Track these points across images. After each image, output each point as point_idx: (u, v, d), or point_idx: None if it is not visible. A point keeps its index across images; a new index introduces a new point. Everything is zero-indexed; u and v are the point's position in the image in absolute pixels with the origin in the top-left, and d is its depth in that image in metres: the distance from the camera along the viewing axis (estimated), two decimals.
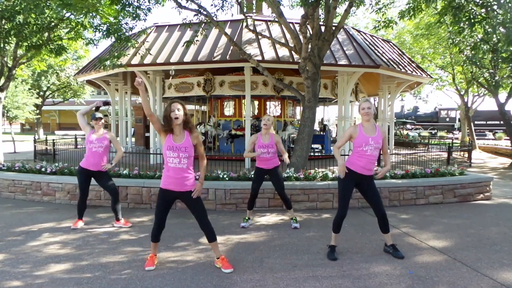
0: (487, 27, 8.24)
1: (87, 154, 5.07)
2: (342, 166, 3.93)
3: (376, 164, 4.06)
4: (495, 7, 7.55)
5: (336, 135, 16.30)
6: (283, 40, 9.64)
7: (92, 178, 5.22)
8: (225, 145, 12.34)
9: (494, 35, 8.46)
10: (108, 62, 7.89)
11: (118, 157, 5.22)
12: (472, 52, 11.69)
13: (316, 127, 13.99)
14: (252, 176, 6.67)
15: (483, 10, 7.38)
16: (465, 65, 15.68)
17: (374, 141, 3.88)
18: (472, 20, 7.48)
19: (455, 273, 3.64)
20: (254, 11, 11.63)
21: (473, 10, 7.49)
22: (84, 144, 5.40)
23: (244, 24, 9.46)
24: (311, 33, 7.69)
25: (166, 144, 3.47)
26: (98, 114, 5.18)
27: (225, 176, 6.67)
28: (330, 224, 5.50)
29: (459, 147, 15.39)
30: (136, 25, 8.26)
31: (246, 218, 5.41)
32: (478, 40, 9.72)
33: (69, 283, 3.39)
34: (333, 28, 7.72)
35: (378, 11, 8.76)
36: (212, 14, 8.42)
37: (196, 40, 8.75)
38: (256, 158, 5.24)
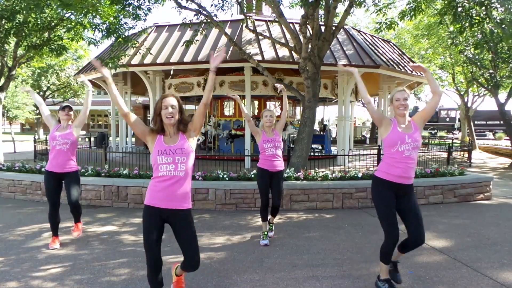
0: (486, 27, 8.24)
1: (50, 154, 4.32)
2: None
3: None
4: (494, 5, 7.55)
5: (336, 135, 16.29)
6: (283, 40, 9.64)
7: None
8: (225, 145, 12.34)
9: (495, 34, 8.44)
10: (110, 65, 7.89)
11: (88, 98, 4.41)
12: (475, 51, 11.69)
13: (316, 127, 14.00)
14: (252, 176, 6.68)
15: (483, 9, 7.37)
16: (465, 65, 15.69)
17: (412, 138, 3.01)
18: (472, 21, 7.48)
19: (455, 273, 3.64)
20: (254, 11, 11.63)
21: (472, 10, 7.49)
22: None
23: (244, 24, 9.46)
24: (311, 33, 7.69)
25: (156, 148, 2.63)
26: (67, 103, 4.63)
27: (225, 176, 6.67)
28: (330, 224, 5.55)
29: (459, 147, 15.39)
30: (136, 25, 8.27)
31: (265, 232, 4.61)
32: (479, 38, 9.71)
33: (69, 283, 3.39)
34: (333, 28, 7.72)
35: (379, 12, 8.76)
36: (212, 14, 8.43)
37: (196, 40, 8.75)
38: (260, 157, 4.66)
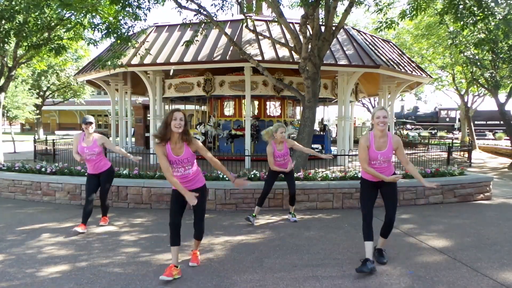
0: (490, 24, 8.18)
1: (86, 162, 5.13)
2: (391, 178, 3.78)
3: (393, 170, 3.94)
4: (493, 4, 7.52)
5: (336, 135, 16.29)
6: (283, 40, 9.63)
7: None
8: (225, 145, 12.34)
9: (500, 30, 8.34)
10: (109, 63, 7.89)
11: (123, 153, 5.40)
12: (475, 50, 11.63)
13: (316, 127, 13.99)
14: (252, 176, 6.70)
15: (481, 9, 7.34)
16: (465, 65, 15.68)
17: (383, 156, 3.76)
18: (474, 18, 7.46)
19: (455, 273, 3.65)
20: (254, 11, 11.62)
21: (474, 8, 7.46)
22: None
23: (244, 24, 9.46)
24: (311, 33, 7.69)
25: (168, 158, 3.47)
26: (90, 118, 5.05)
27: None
28: (330, 224, 5.56)
29: (459, 147, 15.38)
30: (136, 25, 8.25)
31: (254, 214, 5.50)
32: (483, 37, 9.64)
33: (69, 283, 3.39)
34: (333, 28, 7.72)
35: (379, 11, 8.75)
36: (212, 14, 8.42)
37: (196, 40, 8.75)
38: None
